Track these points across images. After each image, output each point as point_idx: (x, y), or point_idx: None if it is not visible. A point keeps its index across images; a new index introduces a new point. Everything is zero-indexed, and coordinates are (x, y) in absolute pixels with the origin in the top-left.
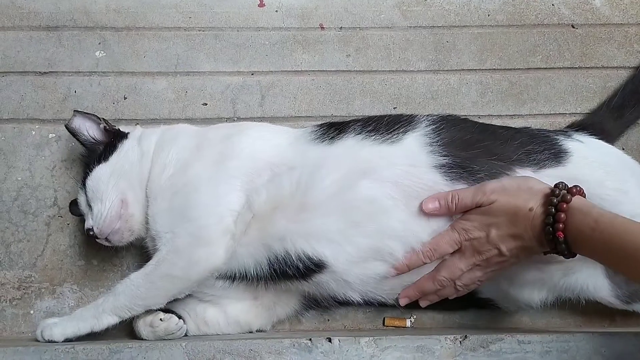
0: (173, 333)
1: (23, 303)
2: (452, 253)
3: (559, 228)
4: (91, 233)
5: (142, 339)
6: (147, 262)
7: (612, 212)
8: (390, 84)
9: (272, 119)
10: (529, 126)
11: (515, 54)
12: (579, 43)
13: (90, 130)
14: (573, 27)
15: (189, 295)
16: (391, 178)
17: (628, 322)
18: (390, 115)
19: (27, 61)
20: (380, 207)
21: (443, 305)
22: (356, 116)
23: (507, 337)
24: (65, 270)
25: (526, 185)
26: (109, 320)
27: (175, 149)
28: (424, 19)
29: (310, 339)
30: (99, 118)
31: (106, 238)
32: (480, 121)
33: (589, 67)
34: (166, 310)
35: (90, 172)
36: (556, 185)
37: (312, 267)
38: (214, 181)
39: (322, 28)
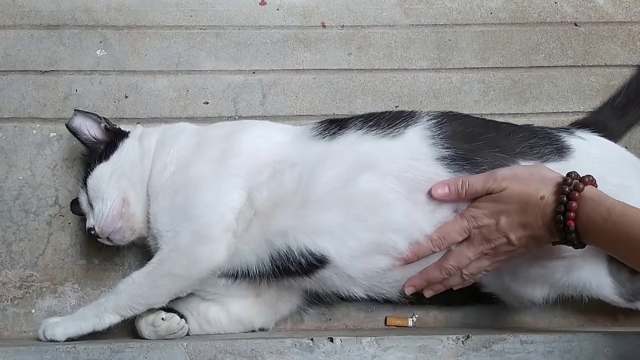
0: (175, 332)
1: (24, 302)
2: (460, 242)
3: (570, 217)
4: (92, 232)
5: (144, 339)
6: (148, 261)
7: (624, 203)
8: (392, 83)
9: (274, 118)
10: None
11: (518, 52)
12: (581, 41)
13: (91, 130)
14: (576, 25)
15: (191, 294)
16: (393, 171)
17: (631, 321)
18: (391, 111)
19: (28, 60)
20: (383, 201)
21: (446, 298)
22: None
23: (510, 337)
24: (66, 270)
25: (539, 173)
26: (111, 319)
27: (176, 147)
28: (426, 17)
29: (312, 339)
30: (99, 117)
31: (107, 237)
32: None
33: (592, 66)
34: (168, 309)
35: (92, 171)
36: (568, 175)
37: (314, 263)
38: (215, 179)
39: (324, 26)
